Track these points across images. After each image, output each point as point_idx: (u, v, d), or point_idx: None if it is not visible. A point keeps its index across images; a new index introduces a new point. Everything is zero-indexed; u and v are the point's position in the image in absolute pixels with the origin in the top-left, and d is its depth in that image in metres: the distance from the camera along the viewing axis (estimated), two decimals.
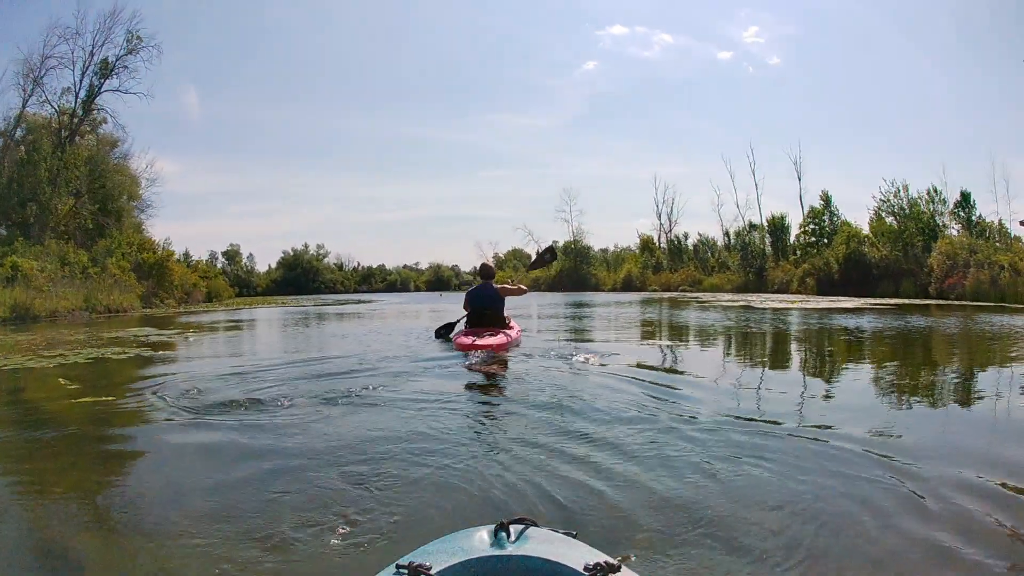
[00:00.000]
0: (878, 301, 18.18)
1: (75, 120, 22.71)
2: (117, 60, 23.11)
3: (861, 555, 1.77)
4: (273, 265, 60.90)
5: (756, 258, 35.17)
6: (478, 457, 2.61)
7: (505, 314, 6.95)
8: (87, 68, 22.73)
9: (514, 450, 2.69)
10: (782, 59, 58.95)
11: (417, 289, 60.05)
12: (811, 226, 32.95)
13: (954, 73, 48.68)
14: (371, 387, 4.24)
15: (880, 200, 26.86)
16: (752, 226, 37.36)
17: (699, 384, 4.50)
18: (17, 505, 2.31)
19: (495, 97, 76.11)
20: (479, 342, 6.08)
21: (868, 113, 54.18)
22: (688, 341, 8.15)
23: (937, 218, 25.00)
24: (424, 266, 66.26)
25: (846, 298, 20.86)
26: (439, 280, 62.39)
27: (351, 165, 77.37)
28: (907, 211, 25.50)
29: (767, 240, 35.71)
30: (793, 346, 7.68)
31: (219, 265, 54.76)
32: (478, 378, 4.86)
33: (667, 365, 5.68)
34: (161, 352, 7.27)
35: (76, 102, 22.75)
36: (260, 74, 71.08)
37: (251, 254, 60.70)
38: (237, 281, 52.74)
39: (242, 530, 1.93)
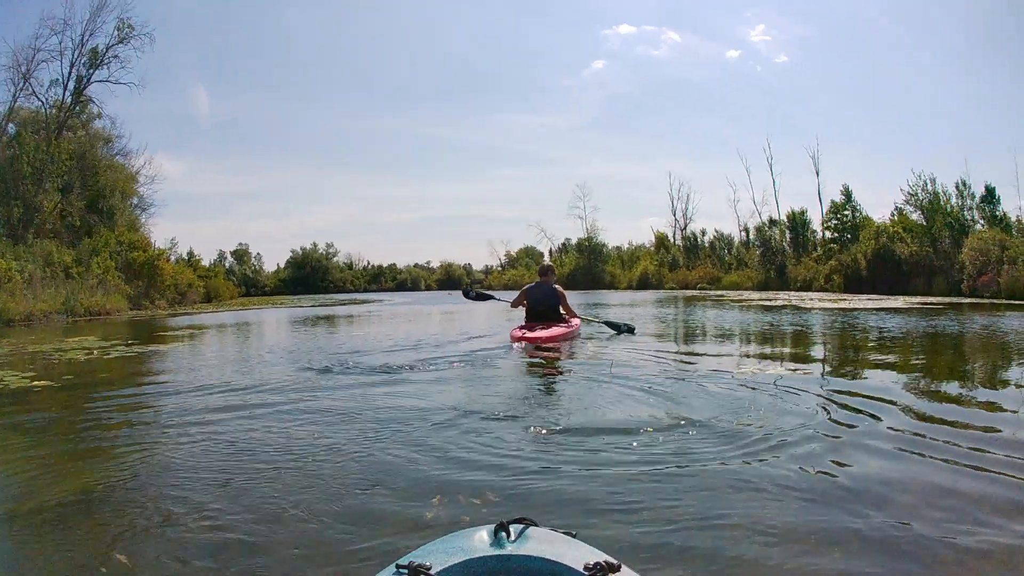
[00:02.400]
0: (921, 300, 17.06)
1: (63, 113, 21.85)
2: (107, 49, 22.23)
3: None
4: (282, 265, 60.47)
5: (777, 255, 34.54)
6: (485, 452, 2.62)
7: (561, 311, 7.20)
8: (76, 59, 21.89)
9: (524, 447, 2.71)
10: (790, 57, 59.34)
11: (428, 288, 59.36)
12: (833, 221, 32.14)
13: (964, 69, 48.64)
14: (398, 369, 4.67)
15: (908, 193, 25.88)
16: (772, 222, 36.80)
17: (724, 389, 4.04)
18: None
19: (505, 97, 77.07)
20: (530, 335, 6.48)
21: (880, 111, 54.27)
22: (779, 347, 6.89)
23: (966, 212, 24.06)
24: (435, 265, 65.51)
25: (880, 296, 19.90)
26: (450, 279, 61.51)
27: (362, 165, 77.67)
28: (936, 205, 24.45)
29: (787, 236, 35.11)
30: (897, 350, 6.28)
31: (227, 265, 54.31)
32: (517, 369, 5.15)
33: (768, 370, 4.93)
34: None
35: (64, 94, 21.93)
36: (272, 74, 71.58)
37: (259, 253, 60.26)
38: (245, 281, 52.32)
39: (242, 530, 1.92)
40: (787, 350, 6.53)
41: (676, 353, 6.08)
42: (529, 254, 58.69)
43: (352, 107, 75.16)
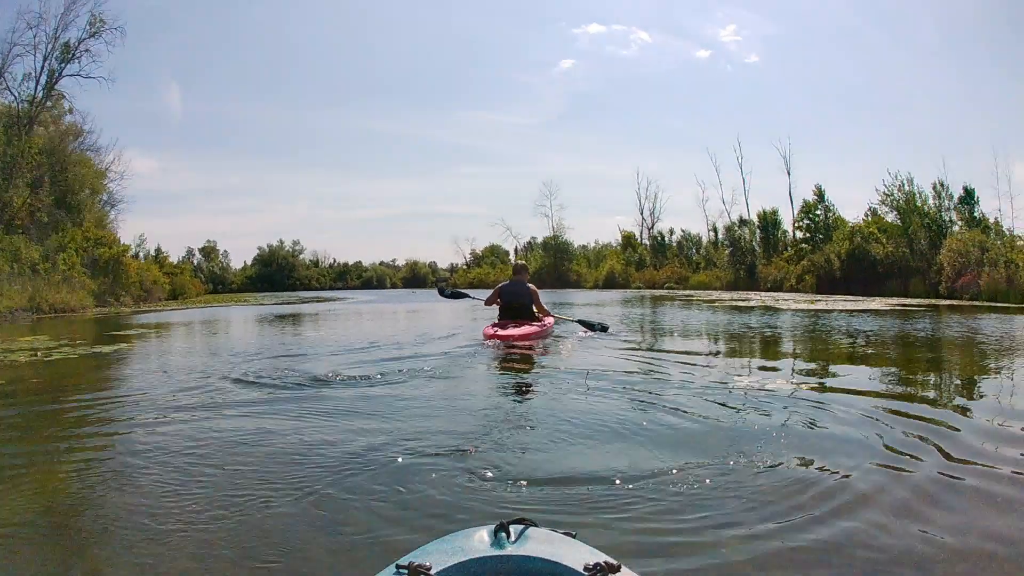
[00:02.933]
0: (899, 301, 17.22)
1: (35, 107, 22.04)
2: (79, 43, 22.48)
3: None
4: (249, 262, 60.13)
5: (747, 255, 34.23)
6: (479, 453, 2.65)
7: (535, 310, 7.36)
8: (49, 53, 22.11)
9: (514, 445, 2.78)
10: (760, 57, 60.33)
11: (393, 286, 59.37)
12: (805, 221, 31.92)
13: (939, 68, 49.35)
14: (373, 375, 4.52)
15: (884, 193, 25.54)
16: (742, 221, 36.39)
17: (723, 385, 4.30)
18: None
19: (472, 94, 76.62)
20: (502, 332, 6.60)
21: (851, 111, 54.99)
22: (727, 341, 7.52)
23: (944, 214, 23.79)
24: (401, 263, 65.77)
25: (856, 297, 19.76)
26: (415, 277, 61.94)
27: (328, 162, 77.37)
28: (912, 205, 24.15)
29: (757, 236, 34.75)
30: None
31: (195, 262, 53.90)
32: (494, 367, 5.29)
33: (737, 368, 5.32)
34: None
35: (36, 88, 22.11)
36: (241, 71, 70.69)
37: (226, 251, 59.88)
38: (212, 278, 51.99)
39: (240, 530, 1.93)
40: (759, 349, 6.88)
41: (651, 354, 6.20)
42: (494, 252, 58.80)
43: (317, 105, 74.71)
